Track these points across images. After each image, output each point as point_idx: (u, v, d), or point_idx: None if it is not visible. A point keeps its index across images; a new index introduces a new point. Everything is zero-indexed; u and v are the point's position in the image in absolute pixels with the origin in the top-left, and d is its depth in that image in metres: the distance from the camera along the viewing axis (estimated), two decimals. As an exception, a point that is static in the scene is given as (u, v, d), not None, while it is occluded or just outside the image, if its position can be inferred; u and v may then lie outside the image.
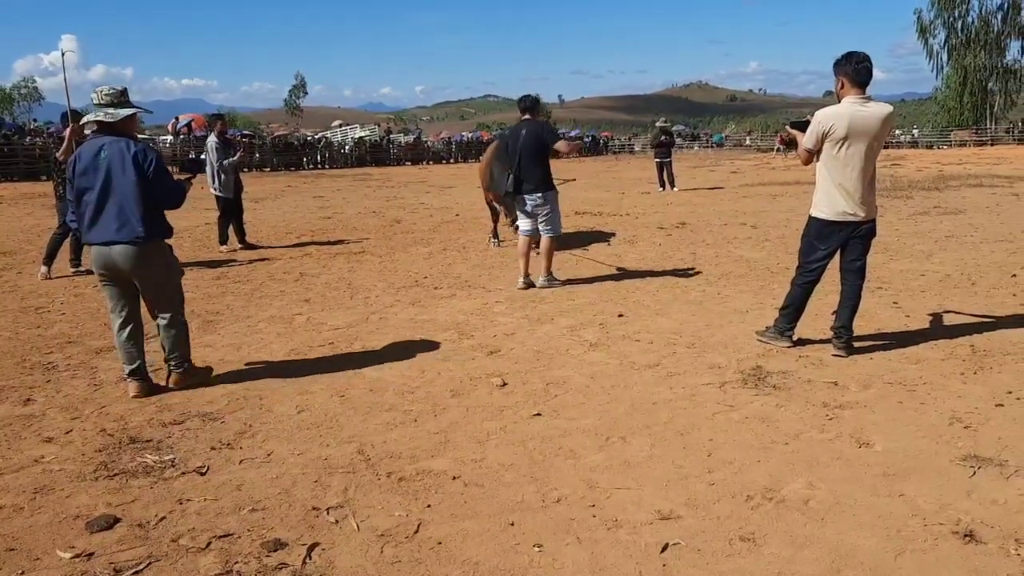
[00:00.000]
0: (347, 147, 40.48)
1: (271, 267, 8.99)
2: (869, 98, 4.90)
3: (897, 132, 60.34)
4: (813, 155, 5.08)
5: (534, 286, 7.42)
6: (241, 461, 3.65)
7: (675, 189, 19.14)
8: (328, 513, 3.12)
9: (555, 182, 7.46)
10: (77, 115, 8.38)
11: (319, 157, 38.10)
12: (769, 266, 8.26)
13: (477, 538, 2.91)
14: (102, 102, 4.43)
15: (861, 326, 5.67)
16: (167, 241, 4.62)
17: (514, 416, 4.15)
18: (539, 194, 7.19)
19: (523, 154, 7.12)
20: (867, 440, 3.72)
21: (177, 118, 36.68)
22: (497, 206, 10.39)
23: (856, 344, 5.16)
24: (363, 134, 43.31)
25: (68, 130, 8.22)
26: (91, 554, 2.84)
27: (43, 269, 8.34)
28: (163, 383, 4.72)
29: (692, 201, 16.35)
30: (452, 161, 43.75)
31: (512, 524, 3.01)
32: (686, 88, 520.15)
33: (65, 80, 7.85)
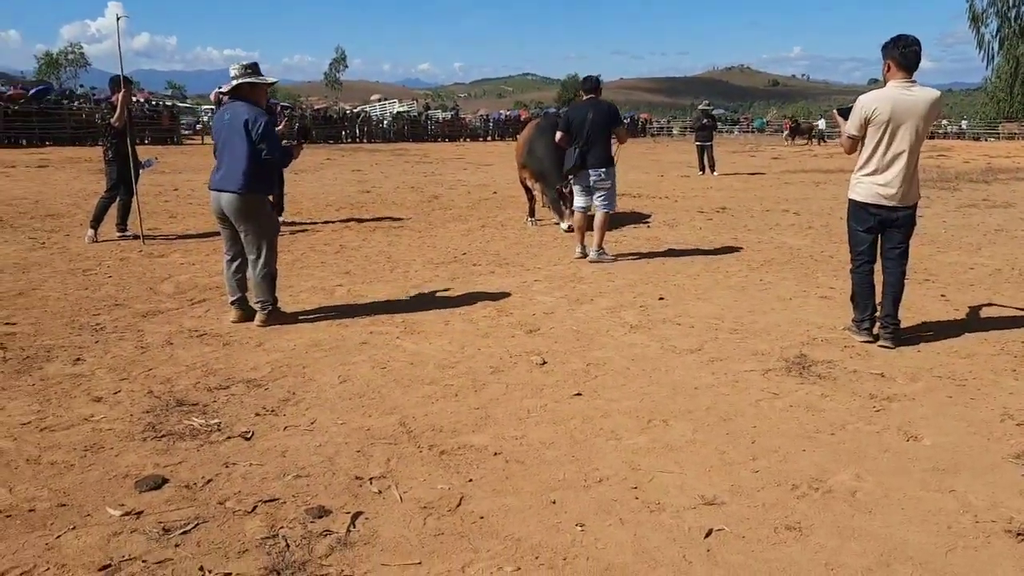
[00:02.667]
0: (386, 122, 40.55)
1: (312, 238, 9.05)
2: (915, 82, 4.81)
3: (944, 123, 59.01)
4: (857, 142, 4.99)
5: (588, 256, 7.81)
6: (285, 428, 3.69)
7: (715, 173, 18.90)
8: (371, 483, 3.15)
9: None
10: (128, 81, 8.48)
11: (357, 131, 38.24)
12: (813, 254, 8.14)
13: (519, 514, 2.92)
14: (231, 74, 5.20)
15: (908, 318, 5.58)
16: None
17: (554, 395, 4.14)
18: (603, 169, 7.53)
19: (592, 131, 7.50)
20: (915, 434, 3.65)
21: (220, 87, 36.86)
22: (530, 185, 10.35)
23: (903, 336, 5.06)
24: (402, 109, 43.33)
25: (120, 95, 8.30)
26: (140, 512, 2.89)
27: (90, 232, 8.48)
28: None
29: (732, 186, 16.14)
30: (489, 139, 43.62)
31: (554, 502, 3.00)
32: (727, 72, 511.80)
33: (119, 45, 7.93)
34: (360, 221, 10.58)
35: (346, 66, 73.20)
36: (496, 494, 3.07)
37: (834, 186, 15.87)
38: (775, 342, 5.05)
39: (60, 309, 5.73)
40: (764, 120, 68.81)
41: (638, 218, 10.95)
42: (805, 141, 40.30)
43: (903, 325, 5.14)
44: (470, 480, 3.18)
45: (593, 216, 7.70)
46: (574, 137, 7.59)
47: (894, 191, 4.86)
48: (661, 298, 6.19)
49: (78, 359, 4.62)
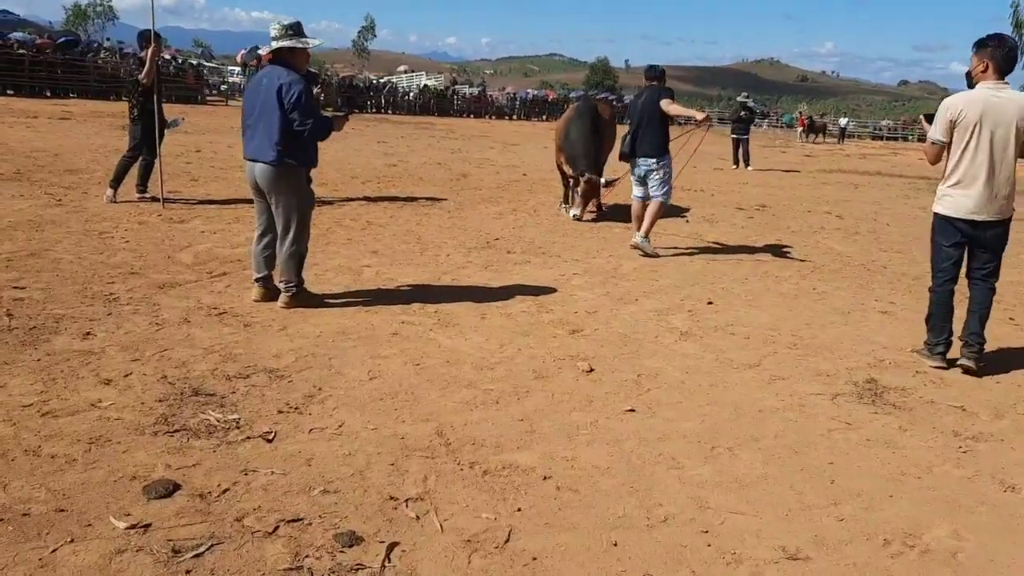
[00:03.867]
0: (412, 94, 40.03)
1: (337, 212, 8.67)
2: (1007, 84, 4.40)
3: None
4: (941, 150, 4.57)
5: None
6: (311, 430, 3.34)
7: (749, 168, 18.41)
8: (407, 506, 2.79)
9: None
10: (158, 37, 8.09)
11: (383, 101, 37.77)
12: (864, 263, 7.69)
13: (577, 557, 2.55)
14: (271, 34, 4.78)
15: (978, 342, 5.16)
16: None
17: (605, 409, 3.76)
18: (653, 159, 7.26)
19: (642, 118, 7.28)
20: (1012, 483, 3.26)
21: (249, 49, 36.40)
22: (566, 170, 9.96)
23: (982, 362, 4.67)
24: (429, 82, 42.76)
25: (149, 51, 7.92)
26: (148, 525, 2.55)
27: (109, 192, 8.14)
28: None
29: (768, 183, 15.65)
30: (515, 118, 43.01)
31: (615, 544, 2.64)
32: (756, 64, 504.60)
33: None
34: (387, 196, 10.19)
35: (374, 35, 72.25)
36: (549, 529, 2.71)
37: (873, 189, 15.38)
38: (839, 362, 4.65)
39: (73, 274, 5.38)
40: (794, 116, 67.68)
41: (675, 211, 10.48)
42: (820, 139, 39.15)
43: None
44: (518, 509, 2.82)
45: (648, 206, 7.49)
46: (630, 124, 7.42)
47: (984, 204, 4.45)
48: (710, 302, 5.78)
49: (88, 333, 4.28)
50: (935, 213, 4.67)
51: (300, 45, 4.80)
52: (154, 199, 8.21)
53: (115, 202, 8.04)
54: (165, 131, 8.33)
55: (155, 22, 8.06)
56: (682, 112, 7.56)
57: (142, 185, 8.38)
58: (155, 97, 8.00)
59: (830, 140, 40.73)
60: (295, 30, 4.80)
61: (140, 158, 8.29)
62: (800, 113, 53.40)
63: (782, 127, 57.14)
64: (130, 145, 8.30)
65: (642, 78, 8.00)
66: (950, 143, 4.51)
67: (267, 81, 4.72)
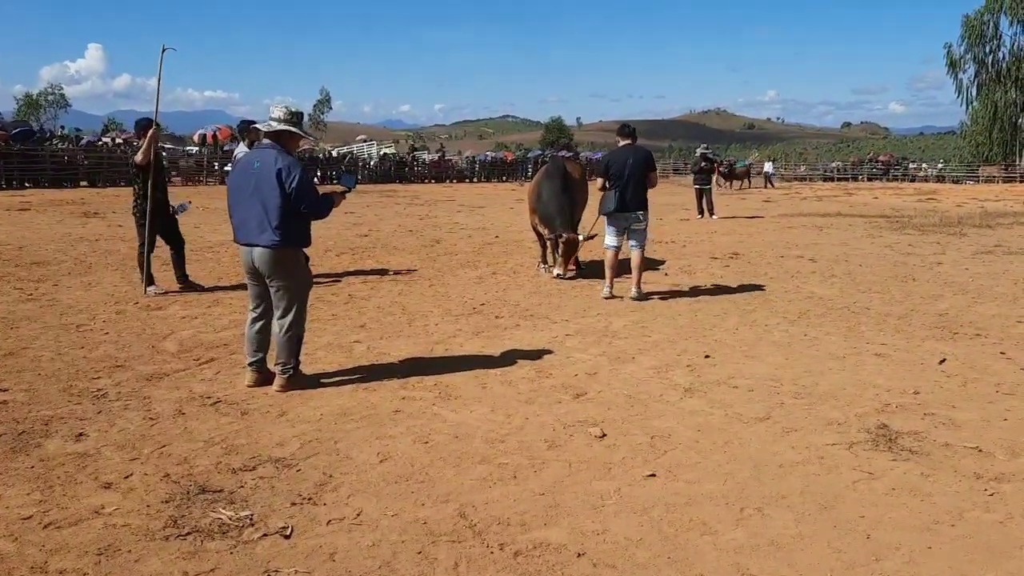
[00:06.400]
0: (372, 162, 40.27)
1: (317, 288, 8.50)
2: None
3: (924, 165, 59.63)
4: None
5: (618, 298, 7.99)
6: (328, 522, 3.20)
7: (714, 216, 18.70)
8: (444, 597, 2.67)
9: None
10: (154, 123, 8.03)
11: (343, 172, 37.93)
12: (847, 305, 7.76)
13: (629, 639, 2.45)
14: (274, 114, 4.77)
15: (974, 379, 5.25)
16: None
17: (625, 476, 3.68)
18: (642, 211, 7.99)
19: (632, 176, 7.90)
20: (1045, 524, 3.23)
21: (205, 128, 36.57)
22: (541, 230, 10.00)
23: (977, 400, 4.69)
24: (388, 150, 43.11)
25: (149, 134, 7.83)
26: (173, 642, 2.40)
27: (151, 289, 7.91)
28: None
29: (735, 230, 15.88)
30: (476, 180, 43.44)
31: (666, 622, 2.54)
32: (704, 115, 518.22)
33: (159, 79, 7.63)
34: (365, 267, 10.13)
35: (330, 107, 72.77)
36: (594, 611, 2.60)
37: (839, 231, 15.66)
38: (847, 409, 4.64)
39: (55, 371, 5.20)
40: (745, 162, 69.16)
41: (650, 263, 10.56)
42: (744, 185, 37.20)
43: (971, 385, 4.77)
44: (559, 592, 2.72)
45: (622, 257, 8.10)
46: (613, 181, 7.90)
47: None
48: (707, 356, 5.77)
49: (80, 434, 4.11)
50: None
51: (301, 133, 4.86)
52: (197, 288, 8.16)
53: (161, 293, 7.90)
54: (177, 216, 8.34)
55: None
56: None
57: (182, 275, 8.27)
58: (150, 185, 7.81)
59: (755, 186, 39.71)
60: (298, 119, 4.84)
61: (171, 249, 8.24)
62: (720, 160, 52.33)
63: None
64: (140, 241, 8.06)
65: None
66: None
67: (260, 163, 4.66)
